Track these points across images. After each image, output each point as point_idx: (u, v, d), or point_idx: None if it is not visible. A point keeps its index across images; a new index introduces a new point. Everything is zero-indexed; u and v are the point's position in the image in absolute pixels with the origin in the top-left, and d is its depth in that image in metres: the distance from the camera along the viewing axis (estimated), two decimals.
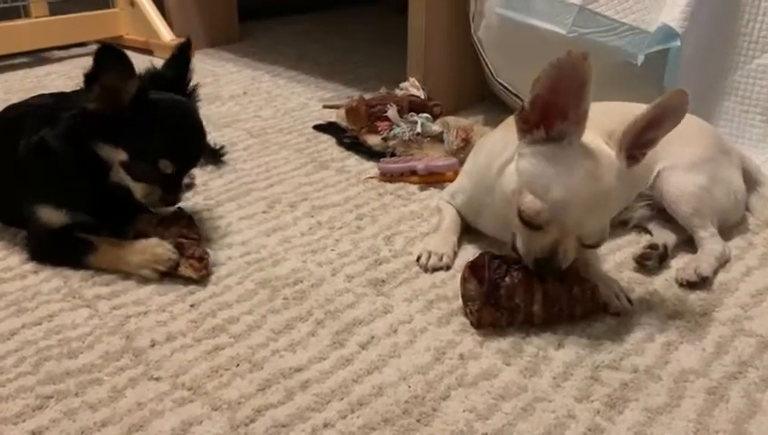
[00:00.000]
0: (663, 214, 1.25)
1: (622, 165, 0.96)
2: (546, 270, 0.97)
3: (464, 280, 1.02)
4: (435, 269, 1.15)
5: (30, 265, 1.15)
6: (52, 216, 1.13)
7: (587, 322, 1.01)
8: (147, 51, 2.49)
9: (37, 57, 2.42)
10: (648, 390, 0.89)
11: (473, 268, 1.02)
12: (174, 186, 1.13)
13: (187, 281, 1.10)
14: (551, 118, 0.94)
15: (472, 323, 1.00)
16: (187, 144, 1.11)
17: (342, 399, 0.86)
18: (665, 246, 1.18)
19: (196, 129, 1.14)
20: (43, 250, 1.16)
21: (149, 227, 1.16)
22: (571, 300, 1.00)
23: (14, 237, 1.24)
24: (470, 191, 1.22)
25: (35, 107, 1.23)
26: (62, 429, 0.81)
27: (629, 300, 1.04)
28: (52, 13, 2.42)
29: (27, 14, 2.40)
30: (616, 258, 1.19)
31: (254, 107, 1.99)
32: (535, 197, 0.93)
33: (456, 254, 1.19)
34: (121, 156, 1.08)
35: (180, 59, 1.15)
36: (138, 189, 1.11)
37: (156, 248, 1.10)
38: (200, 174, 1.49)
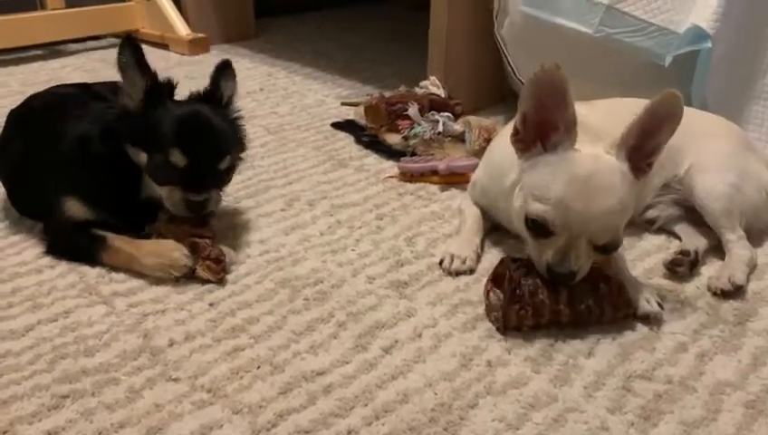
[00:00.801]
0: (691, 214, 1.22)
1: (623, 166, 0.96)
2: (560, 277, 0.95)
3: (487, 293, 1.00)
4: (458, 273, 1.12)
5: (46, 260, 1.13)
6: (76, 209, 1.11)
7: (617, 329, 0.98)
8: (162, 45, 2.48)
9: (52, 50, 2.41)
10: (683, 402, 0.85)
11: (495, 280, 1.00)
12: (192, 184, 1.08)
13: (205, 280, 1.08)
14: (545, 132, 0.98)
15: (498, 329, 0.98)
16: (196, 135, 1.08)
17: (367, 405, 0.84)
18: (696, 252, 1.15)
19: (207, 124, 1.10)
20: (60, 244, 1.14)
21: (161, 224, 1.13)
22: (598, 298, 0.97)
23: (30, 231, 1.22)
24: (485, 184, 1.24)
25: (61, 97, 1.21)
26: (79, 429, 0.79)
27: (660, 304, 1.01)
28: (68, 5, 2.41)
29: (43, 6, 2.39)
30: (645, 265, 1.16)
31: (271, 103, 1.97)
32: (538, 201, 0.96)
33: (479, 257, 1.17)
34: (143, 157, 1.07)
35: (215, 75, 1.15)
36: (163, 193, 1.09)
37: (173, 253, 1.07)
38: None
